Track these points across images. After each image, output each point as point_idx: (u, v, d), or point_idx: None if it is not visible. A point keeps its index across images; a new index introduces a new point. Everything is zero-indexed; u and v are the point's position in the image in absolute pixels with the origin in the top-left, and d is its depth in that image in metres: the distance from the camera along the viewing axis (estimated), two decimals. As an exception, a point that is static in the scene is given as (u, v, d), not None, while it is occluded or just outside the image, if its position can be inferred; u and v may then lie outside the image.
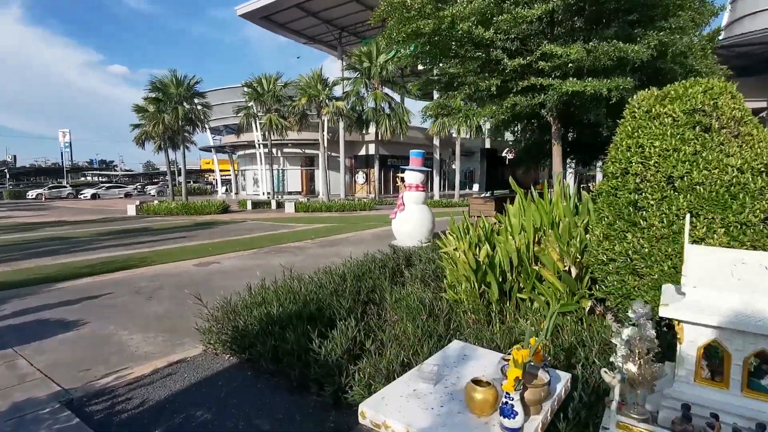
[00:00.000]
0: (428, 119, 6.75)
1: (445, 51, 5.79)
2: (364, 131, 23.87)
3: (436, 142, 27.62)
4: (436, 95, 11.07)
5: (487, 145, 30.86)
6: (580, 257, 3.52)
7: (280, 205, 22.27)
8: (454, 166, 39.26)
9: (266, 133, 30.95)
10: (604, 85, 4.77)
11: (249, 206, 21.93)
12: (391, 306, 3.91)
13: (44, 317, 4.97)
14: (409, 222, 9.69)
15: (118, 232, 12.95)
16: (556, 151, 6.12)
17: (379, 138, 23.82)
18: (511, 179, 6.01)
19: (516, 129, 9.07)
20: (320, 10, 28.55)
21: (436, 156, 29.04)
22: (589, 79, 4.86)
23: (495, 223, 5.14)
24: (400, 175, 10.48)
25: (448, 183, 42.47)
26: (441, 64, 6.27)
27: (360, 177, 35.73)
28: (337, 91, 21.86)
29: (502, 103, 5.43)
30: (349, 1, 26.64)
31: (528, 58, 5.05)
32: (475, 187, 42.05)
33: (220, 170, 39.82)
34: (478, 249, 4.34)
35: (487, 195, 10.41)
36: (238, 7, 29.64)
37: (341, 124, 23.87)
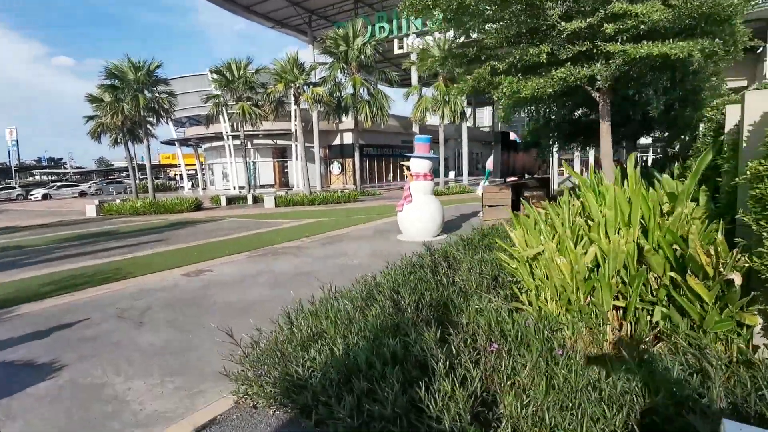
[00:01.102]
0: (456, 96, 5.85)
1: (479, 15, 4.94)
2: (341, 119, 22.72)
3: (416, 129, 26.79)
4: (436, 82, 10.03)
5: (470, 127, 30.31)
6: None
7: (257, 200, 20.91)
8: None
9: (237, 123, 29.30)
10: (695, 47, 4.05)
11: (223, 202, 20.46)
12: (482, 329, 3.06)
13: (7, 357, 3.84)
14: (420, 215, 8.87)
15: (82, 238, 11.45)
16: (606, 129, 5.41)
17: (358, 126, 22.74)
18: (566, 164, 5.26)
19: (532, 109, 8.34)
20: (289, -9, 26.98)
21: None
22: (673, 41, 4.14)
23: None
24: (405, 163, 9.62)
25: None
26: (475, 34, 5.39)
27: (335, 167, 34.52)
28: (312, 77, 20.58)
29: (551, 74, 4.64)
30: (321, -19, 25.23)
31: (588, 19, 4.27)
32: (451, 174, 41.66)
33: (186, 165, 37.55)
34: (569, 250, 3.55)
35: (501, 182, 9.70)
36: (198, -13, 27.57)
37: (315, 113, 22.58)
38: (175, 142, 35.22)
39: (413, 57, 25.04)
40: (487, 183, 12.56)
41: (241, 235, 10.82)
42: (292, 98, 19.62)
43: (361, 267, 6.69)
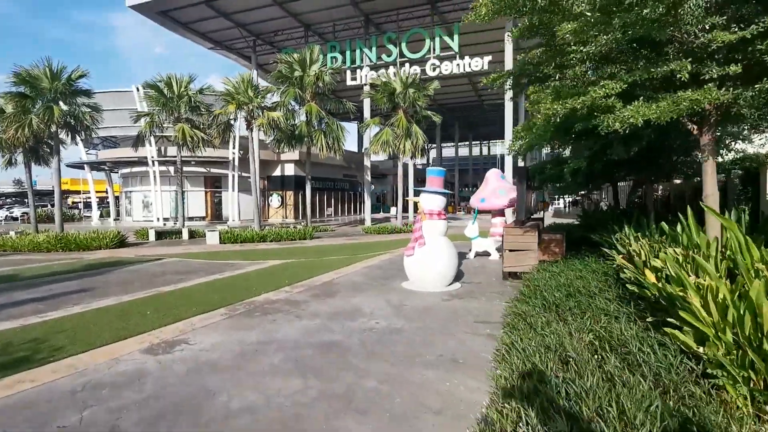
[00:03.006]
0: (543, 126, 4.72)
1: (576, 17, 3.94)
2: (293, 148, 20.96)
3: (367, 162, 25.79)
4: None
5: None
6: None
7: (193, 235, 18.14)
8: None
9: (164, 147, 26.10)
10: None
11: (152, 236, 17.40)
12: None
13: None
14: (435, 261, 7.55)
15: (-36, 286, 8.42)
16: (711, 168, 4.61)
17: (310, 157, 21.12)
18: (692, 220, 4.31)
19: (582, 143, 7.48)
20: (235, 12, 25.25)
21: (368, 178, 27.11)
22: None
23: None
24: (414, 198, 8.32)
25: (363, 206, 40.82)
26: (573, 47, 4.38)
27: (275, 200, 32.15)
28: (266, 101, 18.77)
29: (681, 97, 3.75)
30: (271, 4, 23.90)
31: (745, 31, 3.46)
32: (392, 210, 41.09)
33: (96, 192, 32.62)
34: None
35: (520, 222, 8.71)
36: (128, -4, 24.81)
37: (256, 141, 20.40)
38: (85, 166, 30.62)
39: (366, 89, 24.37)
40: (475, 223, 11.65)
41: (198, 282, 8.61)
42: (243, 122, 17.58)
43: (398, 332, 5.13)
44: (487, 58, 22.59)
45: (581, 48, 4.20)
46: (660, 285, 3.89)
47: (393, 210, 41.35)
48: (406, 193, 24.21)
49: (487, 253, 11.49)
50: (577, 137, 6.55)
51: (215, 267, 10.53)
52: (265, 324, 5.61)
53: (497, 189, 11.95)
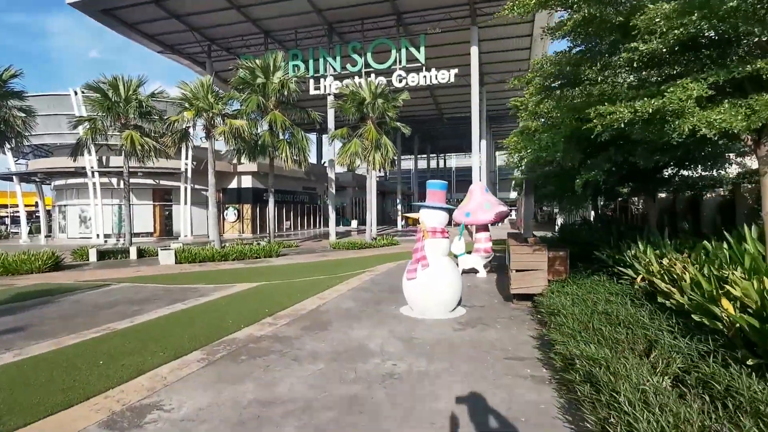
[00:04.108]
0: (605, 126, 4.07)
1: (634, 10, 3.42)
2: (255, 159, 19.64)
3: (331, 174, 24.82)
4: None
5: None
6: None
7: (142, 254, 16.30)
8: (328, 201, 36.72)
9: (106, 157, 23.76)
10: None
11: (92, 256, 15.41)
12: None
13: None
14: (439, 285, 6.81)
15: None
16: (768, 183, 4.20)
17: (273, 169, 19.89)
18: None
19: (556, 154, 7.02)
20: (188, 14, 23.62)
21: (332, 191, 26.09)
22: None
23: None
24: (412, 215, 7.57)
25: (323, 219, 39.65)
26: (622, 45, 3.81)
27: (230, 214, 30.28)
28: (228, 108, 17.39)
29: (754, 101, 3.28)
30: (229, 7, 22.55)
31: None
32: (354, 223, 40.13)
33: (25, 205, 29.15)
34: None
35: (537, 240, 8.11)
36: (67, -8, 22.56)
37: (209, 153, 18.66)
38: (13, 177, 27.37)
39: (330, 99, 23.52)
40: (461, 239, 11.05)
41: (160, 314, 7.31)
42: (201, 130, 16.12)
43: (426, 378, 4.28)
44: (454, 71, 22.49)
45: (641, 45, 3.65)
46: (752, 322, 3.33)
47: (354, 223, 40.41)
48: (381, 205, 23.46)
49: (474, 270, 10.91)
50: (598, 147, 6.10)
51: (176, 293, 9.17)
52: (258, 373, 4.57)
53: (483, 203, 11.44)
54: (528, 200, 7.24)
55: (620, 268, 6.75)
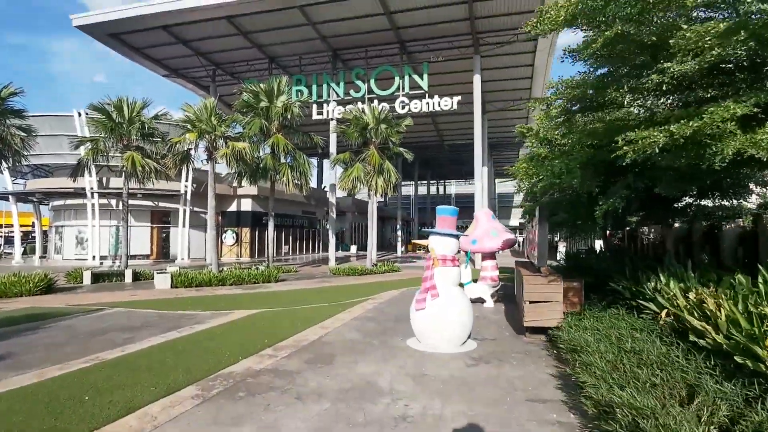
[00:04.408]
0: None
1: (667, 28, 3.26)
2: (256, 182, 19.49)
3: (332, 198, 24.63)
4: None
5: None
6: None
7: (137, 277, 15.87)
8: (327, 226, 36.38)
9: (107, 178, 23.58)
10: None
11: (86, 279, 14.97)
12: None
13: None
14: (450, 316, 6.48)
15: None
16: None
17: (273, 192, 19.70)
18: None
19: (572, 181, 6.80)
20: (195, 39, 23.95)
21: (332, 215, 25.86)
22: None
23: None
24: (421, 241, 7.30)
25: (322, 244, 39.29)
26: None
27: (229, 237, 29.91)
28: (231, 130, 17.33)
29: None
30: (236, 34, 22.88)
31: None
32: (353, 248, 39.71)
33: (20, 226, 28.78)
34: None
35: (551, 269, 7.78)
36: (74, 16, 22.94)
37: (209, 176, 18.33)
38: (9, 197, 27.11)
39: (333, 124, 23.56)
40: (468, 267, 10.71)
41: (153, 342, 6.89)
42: (203, 152, 15.97)
43: (443, 424, 3.90)
44: (457, 98, 22.61)
45: (675, 65, 3.46)
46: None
47: (353, 248, 39.96)
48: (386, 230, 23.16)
49: (481, 300, 10.54)
50: (616, 173, 5.87)
51: (170, 320, 8.75)
52: (258, 413, 4.17)
53: (489, 230, 11.17)
54: (542, 228, 6.97)
55: (641, 302, 6.40)
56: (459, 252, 7.17)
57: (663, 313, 5.85)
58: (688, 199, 7.73)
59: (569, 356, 5.25)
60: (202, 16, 21.25)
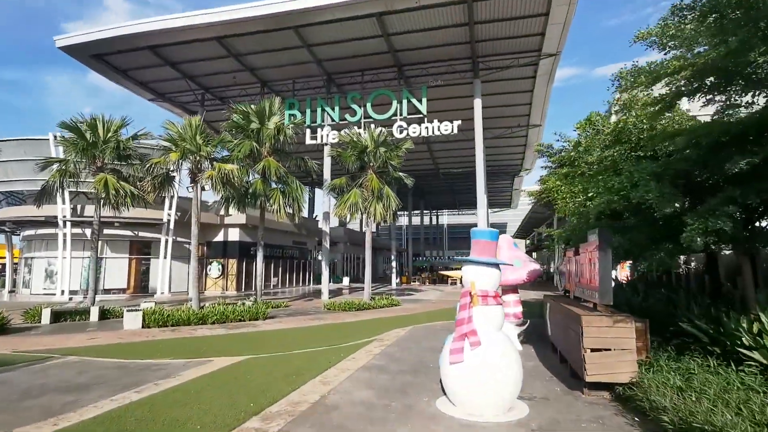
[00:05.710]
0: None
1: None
2: (244, 209, 18.00)
3: (326, 228, 23.08)
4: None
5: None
6: None
7: (106, 315, 13.98)
8: (319, 257, 34.60)
9: (81, 206, 21.86)
10: None
11: (46, 317, 13.04)
12: None
13: None
14: (495, 371, 4.93)
15: None
16: None
17: (263, 220, 18.19)
18: None
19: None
20: (184, 61, 22.96)
21: (326, 245, 24.24)
22: None
23: None
24: (452, 273, 5.89)
25: (313, 276, 37.45)
26: None
27: (214, 269, 27.98)
28: (217, 152, 15.96)
29: None
30: (227, 56, 21.92)
31: None
32: (346, 280, 37.87)
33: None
34: None
35: (611, 308, 6.27)
36: (58, 37, 21.86)
37: (196, 201, 16.78)
38: (-22, 226, 25.10)
39: (327, 149, 22.36)
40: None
41: (99, 410, 5.19)
42: (187, 175, 14.44)
43: None
44: (457, 123, 21.67)
45: None
46: None
47: (345, 280, 38.10)
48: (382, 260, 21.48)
49: (506, 342, 8.97)
50: (705, 189, 4.63)
51: (131, 373, 7.02)
52: None
53: (512, 259, 9.76)
54: (604, 256, 5.60)
55: (740, 350, 4.97)
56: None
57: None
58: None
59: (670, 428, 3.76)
60: (191, 37, 20.31)
